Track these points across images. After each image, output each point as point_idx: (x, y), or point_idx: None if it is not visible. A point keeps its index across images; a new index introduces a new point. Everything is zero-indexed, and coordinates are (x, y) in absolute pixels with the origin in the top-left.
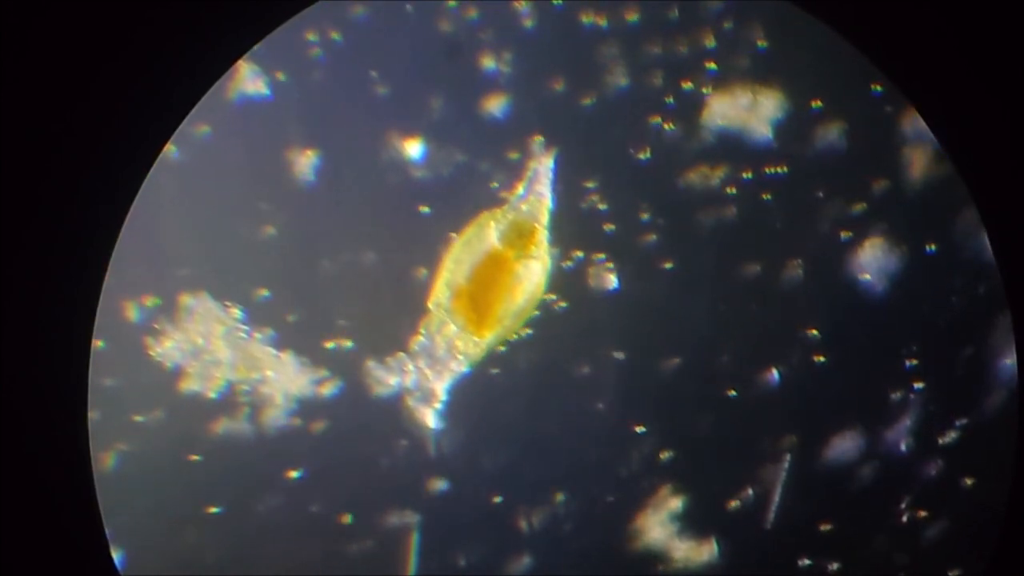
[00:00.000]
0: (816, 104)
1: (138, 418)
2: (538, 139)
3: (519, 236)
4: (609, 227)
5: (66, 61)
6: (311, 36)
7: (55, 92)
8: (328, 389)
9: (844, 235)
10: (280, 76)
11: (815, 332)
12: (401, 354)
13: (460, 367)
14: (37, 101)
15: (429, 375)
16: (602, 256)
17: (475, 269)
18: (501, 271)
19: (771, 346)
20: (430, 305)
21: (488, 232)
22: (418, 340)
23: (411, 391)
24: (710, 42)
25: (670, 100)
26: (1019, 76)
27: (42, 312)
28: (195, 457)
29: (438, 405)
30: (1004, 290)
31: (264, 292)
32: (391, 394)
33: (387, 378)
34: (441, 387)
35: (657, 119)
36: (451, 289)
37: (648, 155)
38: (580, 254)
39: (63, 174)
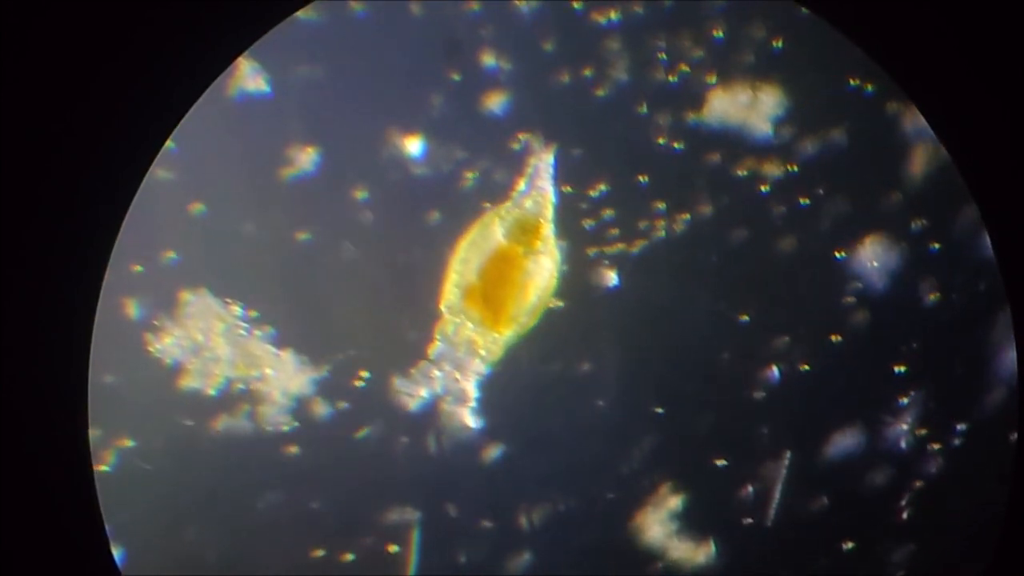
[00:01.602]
0: (817, 101)
1: (138, 415)
2: (538, 135)
3: (524, 232)
4: (609, 223)
5: (66, 60)
6: (311, 33)
7: (55, 91)
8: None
9: (844, 232)
10: (280, 73)
11: (805, 367)
12: (423, 363)
13: (483, 365)
14: (37, 100)
15: (458, 376)
16: (603, 252)
17: (484, 268)
18: (510, 268)
19: (771, 344)
20: (442, 308)
21: (493, 230)
22: (435, 347)
23: (443, 396)
24: (711, 38)
25: (671, 95)
26: (1020, 75)
27: (42, 312)
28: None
29: (473, 404)
30: (1004, 287)
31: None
32: (424, 404)
33: (417, 390)
34: (471, 386)
35: (658, 115)
36: (461, 290)
37: (649, 151)
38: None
39: (63, 173)
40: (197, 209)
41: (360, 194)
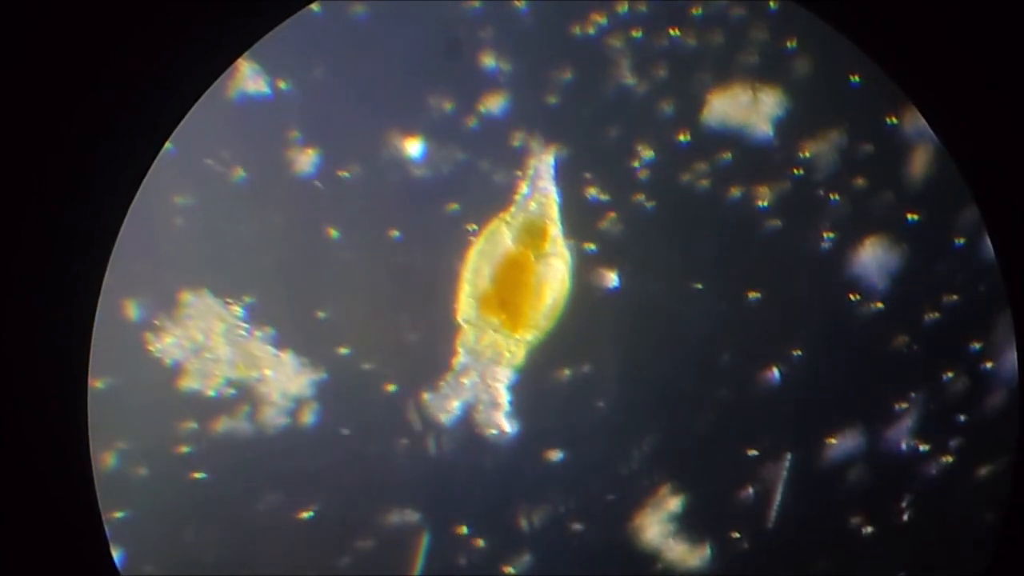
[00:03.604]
0: (817, 102)
1: (138, 416)
2: (537, 135)
3: (532, 235)
4: (609, 224)
5: (66, 60)
6: (312, 35)
7: (55, 91)
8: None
9: (845, 233)
10: (280, 75)
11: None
12: (449, 376)
13: (509, 370)
14: (37, 101)
15: (488, 383)
16: (602, 253)
17: (497, 275)
18: (523, 272)
19: (771, 345)
20: (460, 320)
21: (501, 236)
22: (458, 360)
23: (475, 405)
24: (713, 39)
25: (671, 95)
26: (1020, 75)
27: (42, 312)
28: (197, 475)
29: (506, 408)
30: (1004, 289)
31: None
32: (459, 416)
33: (449, 403)
34: (502, 390)
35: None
36: (477, 300)
37: (650, 152)
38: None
39: (63, 174)
40: (197, 210)
41: (359, 195)
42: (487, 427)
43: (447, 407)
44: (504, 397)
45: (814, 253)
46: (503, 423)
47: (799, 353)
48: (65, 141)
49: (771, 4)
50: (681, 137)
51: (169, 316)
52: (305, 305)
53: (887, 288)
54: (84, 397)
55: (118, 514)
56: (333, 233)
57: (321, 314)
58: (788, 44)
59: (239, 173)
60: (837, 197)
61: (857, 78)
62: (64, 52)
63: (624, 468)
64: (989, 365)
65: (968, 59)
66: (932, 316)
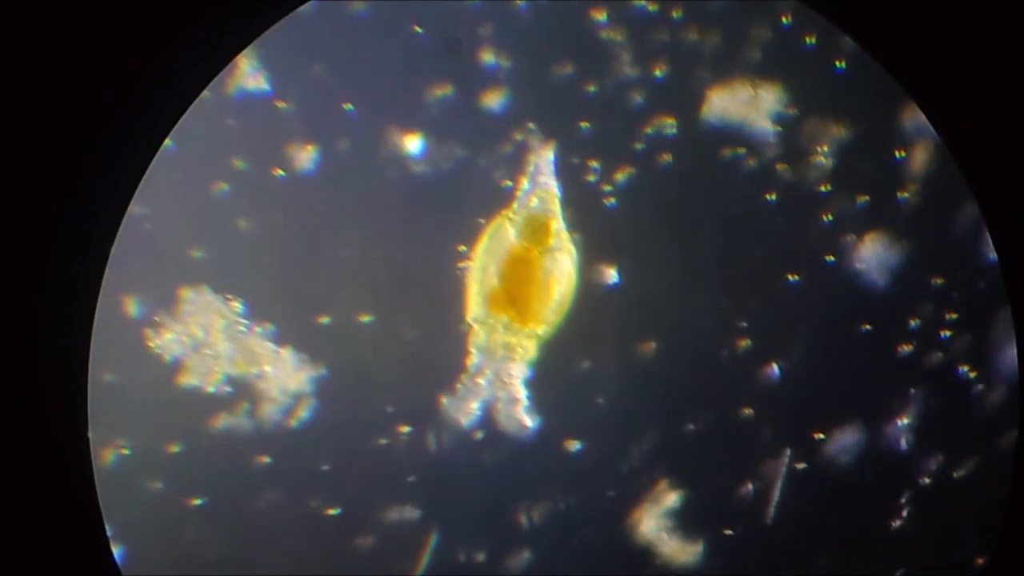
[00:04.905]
0: (817, 99)
1: (138, 414)
2: (536, 131)
3: (535, 231)
4: (609, 220)
5: (65, 59)
6: (311, 31)
7: (55, 90)
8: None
9: (844, 230)
10: (280, 72)
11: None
12: (464, 377)
13: (523, 365)
14: (37, 99)
15: (504, 380)
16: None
17: (503, 273)
18: (529, 268)
19: (771, 341)
20: (470, 321)
21: (505, 234)
22: (472, 361)
23: (494, 403)
24: (713, 37)
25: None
26: (1021, 75)
27: (42, 309)
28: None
29: (525, 403)
30: (1004, 285)
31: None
32: (478, 416)
33: (468, 405)
34: (518, 385)
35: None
36: (485, 300)
37: (644, 145)
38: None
39: (63, 172)
40: (197, 205)
41: (360, 193)
42: (509, 423)
43: (467, 409)
44: (522, 392)
45: (814, 249)
46: (524, 418)
47: (799, 350)
48: (65, 141)
49: (783, 20)
50: (681, 134)
51: (169, 312)
52: (305, 302)
53: (887, 284)
54: (84, 396)
55: (118, 514)
56: None
57: (323, 316)
58: (793, 41)
59: (239, 169)
60: (833, 191)
61: (842, 64)
62: (64, 52)
63: (624, 464)
64: (989, 363)
65: (968, 59)
66: (932, 314)
